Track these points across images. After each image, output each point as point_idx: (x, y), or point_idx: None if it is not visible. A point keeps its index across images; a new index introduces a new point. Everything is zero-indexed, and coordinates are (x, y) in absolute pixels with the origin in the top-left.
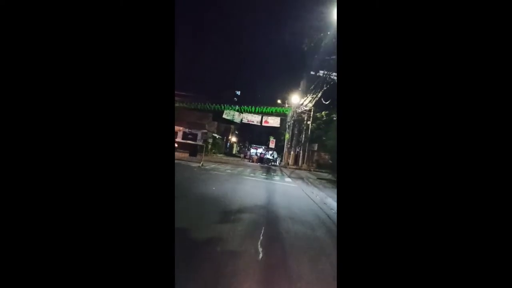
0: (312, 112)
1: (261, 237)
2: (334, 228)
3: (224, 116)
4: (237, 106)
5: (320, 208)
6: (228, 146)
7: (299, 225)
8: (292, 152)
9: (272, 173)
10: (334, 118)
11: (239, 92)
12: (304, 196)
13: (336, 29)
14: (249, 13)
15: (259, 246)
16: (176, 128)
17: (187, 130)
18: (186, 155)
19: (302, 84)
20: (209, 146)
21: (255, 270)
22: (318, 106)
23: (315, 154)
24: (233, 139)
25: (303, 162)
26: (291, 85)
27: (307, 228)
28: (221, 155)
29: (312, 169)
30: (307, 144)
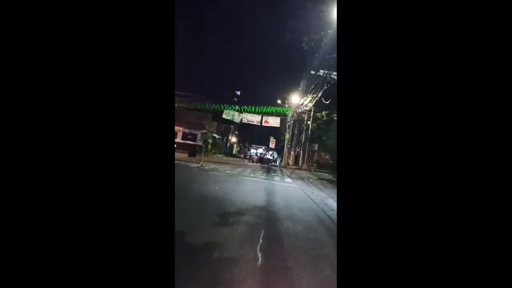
0: (312, 112)
1: (261, 241)
2: (335, 229)
3: (224, 116)
4: (237, 106)
5: (321, 209)
6: (228, 146)
7: (299, 228)
8: (292, 152)
9: (272, 174)
10: (335, 118)
11: (239, 92)
12: (304, 196)
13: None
14: (249, 13)
15: (258, 250)
16: (176, 128)
17: (187, 130)
18: (185, 155)
19: (302, 83)
20: (209, 147)
21: (254, 278)
22: (318, 106)
23: (316, 154)
24: (233, 139)
25: (303, 162)
26: (291, 85)
27: (308, 231)
28: (221, 155)
29: (312, 169)
30: (307, 144)
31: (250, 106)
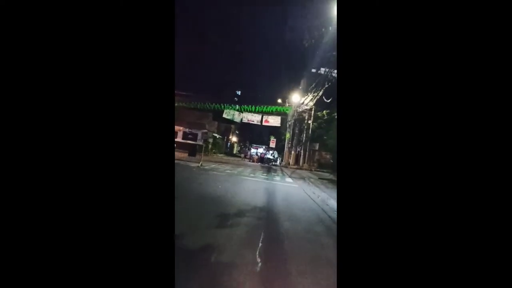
0: (313, 111)
1: (260, 244)
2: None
3: (224, 115)
4: (237, 105)
5: (323, 210)
6: (228, 146)
7: (300, 230)
8: (293, 152)
9: (273, 173)
10: (336, 117)
11: (239, 92)
12: (305, 197)
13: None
14: (249, 12)
15: (257, 255)
16: (176, 128)
17: (187, 130)
18: (185, 155)
19: (303, 82)
20: (210, 146)
21: (253, 284)
22: (319, 104)
23: (316, 153)
24: (234, 139)
25: (304, 162)
26: (292, 84)
27: (309, 233)
28: (221, 155)
29: (313, 169)
30: (308, 144)
31: (250, 106)
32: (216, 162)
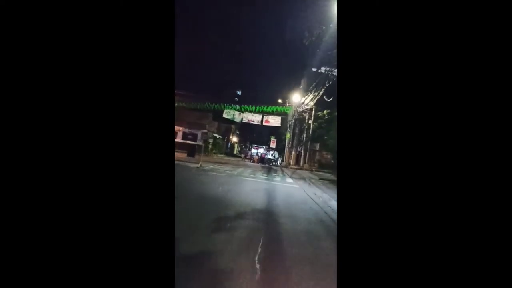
0: (313, 111)
1: (259, 249)
2: None
3: (224, 115)
4: (237, 105)
5: (325, 212)
6: (229, 146)
7: (301, 233)
8: (293, 152)
9: (273, 174)
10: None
11: (240, 91)
12: (307, 198)
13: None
14: (249, 12)
15: (256, 261)
16: (176, 128)
17: (187, 130)
18: (185, 155)
19: (303, 82)
20: (210, 147)
21: None
22: (320, 104)
23: (317, 153)
24: (234, 139)
25: (304, 162)
26: (292, 84)
27: (311, 237)
28: (221, 155)
29: (314, 169)
30: (309, 144)
31: (250, 106)
32: (216, 162)
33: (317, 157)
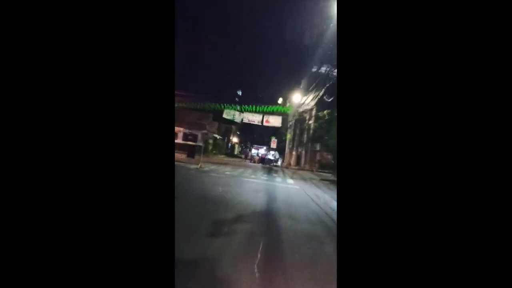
0: (314, 111)
1: (259, 256)
2: None
3: (224, 116)
4: (238, 106)
5: (326, 213)
6: (229, 147)
7: (303, 236)
8: (294, 152)
9: (274, 174)
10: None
11: (240, 92)
12: (308, 199)
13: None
14: (249, 11)
15: (255, 269)
16: (176, 129)
17: (187, 131)
18: (184, 156)
19: (304, 82)
20: (210, 147)
21: None
22: (320, 104)
23: (318, 154)
24: (235, 139)
25: (305, 163)
26: (293, 84)
27: (313, 241)
28: (222, 156)
29: (314, 170)
30: (310, 144)
31: (250, 106)
32: (216, 163)
33: (318, 157)
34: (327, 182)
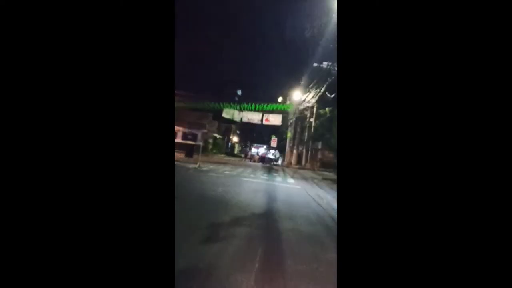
0: (315, 109)
1: (257, 264)
2: None
3: (224, 115)
4: (237, 105)
5: (329, 215)
6: (229, 146)
7: (304, 240)
8: (294, 151)
9: (274, 174)
10: None
11: (240, 91)
12: (309, 200)
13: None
14: (249, 12)
15: (253, 278)
16: (176, 128)
17: (187, 130)
18: (182, 155)
19: (304, 78)
20: (210, 147)
21: None
22: (322, 101)
23: (319, 152)
24: (235, 139)
25: (306, 162)
26: (293, 81)
27: (315, 244)
28: (222, 155)
29: (316, 169)
30: (311, 143)
31: (250, 104)
32: (215, 162)
33: (319, 156)
34: (329, 181)
